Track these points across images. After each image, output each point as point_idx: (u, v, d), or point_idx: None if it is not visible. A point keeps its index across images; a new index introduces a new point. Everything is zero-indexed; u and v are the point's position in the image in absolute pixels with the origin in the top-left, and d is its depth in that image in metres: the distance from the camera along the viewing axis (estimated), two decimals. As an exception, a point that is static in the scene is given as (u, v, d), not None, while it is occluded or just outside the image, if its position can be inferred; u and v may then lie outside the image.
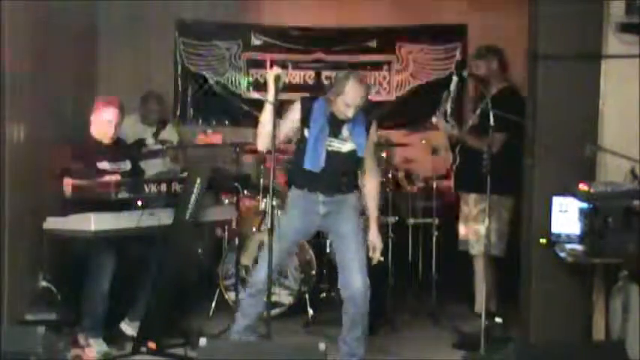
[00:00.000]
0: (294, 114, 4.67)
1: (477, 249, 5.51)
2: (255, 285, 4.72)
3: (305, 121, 4.62)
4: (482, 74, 5.61)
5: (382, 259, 4.80)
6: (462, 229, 5.69)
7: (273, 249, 4.43)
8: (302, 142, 4.65)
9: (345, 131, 4.61)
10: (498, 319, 5.42)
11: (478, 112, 5.58)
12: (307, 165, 4.60)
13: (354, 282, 4.58)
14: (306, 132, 4.62)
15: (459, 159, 5.71)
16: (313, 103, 4.66)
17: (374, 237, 4.70)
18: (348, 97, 4.50)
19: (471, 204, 5.56)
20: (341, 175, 4.65)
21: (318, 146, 4.58)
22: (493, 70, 5.60)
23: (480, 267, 5.48)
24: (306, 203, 4.69)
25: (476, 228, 5.50)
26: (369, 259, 4.69)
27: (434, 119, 5.72)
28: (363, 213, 4.86)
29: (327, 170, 4.60)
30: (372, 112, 4.77)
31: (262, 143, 4.55)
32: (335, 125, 4.60)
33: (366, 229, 4.77)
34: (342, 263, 4.67)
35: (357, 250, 4.62)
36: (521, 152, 5.31)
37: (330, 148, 4.60)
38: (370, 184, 4.76)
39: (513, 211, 5.54)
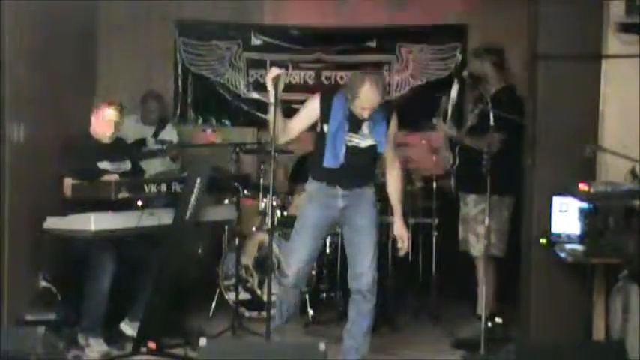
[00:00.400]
0: (313, 108, 4.64)
1: (477, 249, 5.49)
2: (292, 280, 4.71)
3: (324, 116, 4.60)
4: (478, 74, 5.59)
5: (408, 250, 4.81)
6: (462, 230, 5.69)
7: (298, 247, 4.66)
8: (321, 137, 4.64)
9: (365, 128, 4.60)
10: (498, 319, 5.41)
11: (477, 112, 5.57)
12: (326, 162, 4.60)
13: (364, 275, 4.60)
14: (325, 127, 4.61)
15: (459, 160, 5.70)
16: (333, 97, 4.62)
17: (400, 228, 4.72)
18: (364, 101, 4.48)
19: (471, 205, 5.54)
20: (360, 169, 4.66)
21: (337, 143, 4.58)
22: (489, 70, 5.57)
23: (481, 268, 5.46)
24: (325, 197, 4.68)
25: (476, 228, 5.49)
26: (395, 251, 4.77)
27: (434, 121, 5.72)
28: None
29: (347, 165, 4.60)
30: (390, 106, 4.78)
31: (277, 138, 4.52)
32: (354, 121, 4.58)
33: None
34: (353, 256, 4.69)
35: (369, 244, 4.63)
36: (521, 152, 5.32)
37: (350, 144, 4.60)
38: (392, 177, 4.76)
39: (513, 211, 5.52)
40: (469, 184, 5.54)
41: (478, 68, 5.62)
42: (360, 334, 4.67)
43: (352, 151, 4.59)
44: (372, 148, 4.62)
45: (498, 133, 5.20)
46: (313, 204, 4.73)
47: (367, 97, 4.45)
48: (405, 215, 6.25)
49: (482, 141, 5.28)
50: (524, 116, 5.14)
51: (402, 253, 4.76)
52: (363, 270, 4.60)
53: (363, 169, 4.67)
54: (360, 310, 4.64)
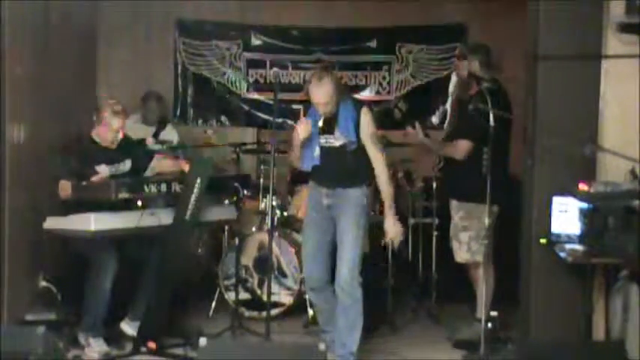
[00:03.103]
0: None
1: (460, 256, 5.46)
2: (308, 282, 4.96)
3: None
4: (464, 75, 5.49)
5: (400, 239, 4.90)
6: (451, 235, 5.64)
7: (304, 247, 4.91)
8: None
9: (337, 127, 4.73)
10: (493, 313, 5.36)
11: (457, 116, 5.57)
12: (303, 164, 4.86)
13: (342, 273, 4.70)
14: None
15: (442, 164, 5.71)
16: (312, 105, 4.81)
17: (389, 224, 4.77)
18: (312, 98, 4.68)
19: (453, 211, 5.52)
20: (340, 169, 4.76)
21: (311, 145, 4.77)
22: (475, 70, 5.44)
23: (480, 272, 5.43)
24: (316, 196, 4.87)
25: (458, 235, 5.46)
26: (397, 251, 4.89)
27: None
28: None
29: (326, 165, 4.78)
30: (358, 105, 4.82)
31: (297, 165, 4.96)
32: (328, 122, 4.73)
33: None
34: (337, 254, 4.78)
35: (349, 245, 4.71)
36: (505, 159, 5.31)
37: (327, 145, 4.76)
38: (376, 173, 4.78)
39: (496, 217, 5.39)
40: (450, 190, 5.55)
41: (464, 69, 5.49)
42: (343, 328, 4.72)
43: (328, 151, 4.76)
44: (345, 146, 4.73)
45: (464, 141, 5.23)
46: (310, 203, 4.94)
47: (312, 92, 4.66)
48: (402, 214, 6.30)
49: (446, 148, 5.32)
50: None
51: (395, 245, 4.85)
52: (341, 267, 4.71)
53: (344, 168, 4.76)
54: (341, 305, 4.72)
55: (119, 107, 5.21)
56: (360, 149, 4.73)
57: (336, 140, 4.74)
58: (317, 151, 4.76)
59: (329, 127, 4.73)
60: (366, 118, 4.72)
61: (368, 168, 4.76)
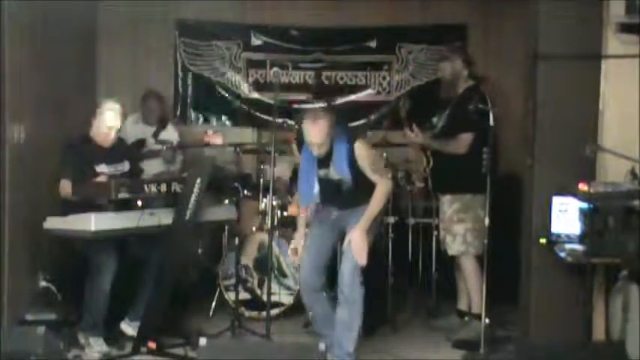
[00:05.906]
0: (295, 151, 4.95)
1: (454, 249, 5.49)
2: (303, 286, 4.94)
3: (299, 155, 4.88)
4: (448, 76, 5.58)
5: (363, 263, 4.68)
6: (441, 230, 5.68)
7: (305, 249, 4.85)
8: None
9: (331, 163, 4.74)
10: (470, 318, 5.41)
11: (446, 113, 5.59)
12: (302, 202, 4.92)
13: (344, 275, 4.70)
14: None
15: (432, 161, 5.73)
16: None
17: (354, 235, 4.64)
18: (306, 137, 4.65)
19: (446, 205, 5.54)
20: (344, 196, 4.79)
21: (306, 181, 4.81)
22: (457, 70, 5.53)
23: (473, 267, 5.44)
24: (323, 214, 4.93)
25: (451, 228, 5.49)
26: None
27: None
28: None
29: (329, 194, 4.83)
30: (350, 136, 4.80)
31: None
32: (321, 157, 4.74)
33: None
34: (343, 256, 4.80)
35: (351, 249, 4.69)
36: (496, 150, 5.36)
37: (325, 177, 4.78)
38: (376, 189, 4.75)
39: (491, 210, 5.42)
40: (443, 185, 5.58)
41: (448, 70, 5.58)
42: (341, 328, 4.72)
43: (328, 183, 4.78)
44: (343, 180, 4.75)
45: (465, 134, 5.30)
46: (315, 219, 4.97)
47: (306, 132, 4.63)
48: (402, 215, 6.32)
49: (449, 144, 5.34)
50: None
51: (359, 261, 4.65)
52: (344, 268, 4.72)
53: (347, 195, 4.78)
54: (340, 305, 4.72)
55: (113, 103, 5.23)
56: (361, 175, 4.73)
57: (334, 174, 4.75)
58: (316, 188, 4.79)
59: (325, 162, 4.75)
60: (360, 153, 4.70)
61: (373, 186, 4.76)
